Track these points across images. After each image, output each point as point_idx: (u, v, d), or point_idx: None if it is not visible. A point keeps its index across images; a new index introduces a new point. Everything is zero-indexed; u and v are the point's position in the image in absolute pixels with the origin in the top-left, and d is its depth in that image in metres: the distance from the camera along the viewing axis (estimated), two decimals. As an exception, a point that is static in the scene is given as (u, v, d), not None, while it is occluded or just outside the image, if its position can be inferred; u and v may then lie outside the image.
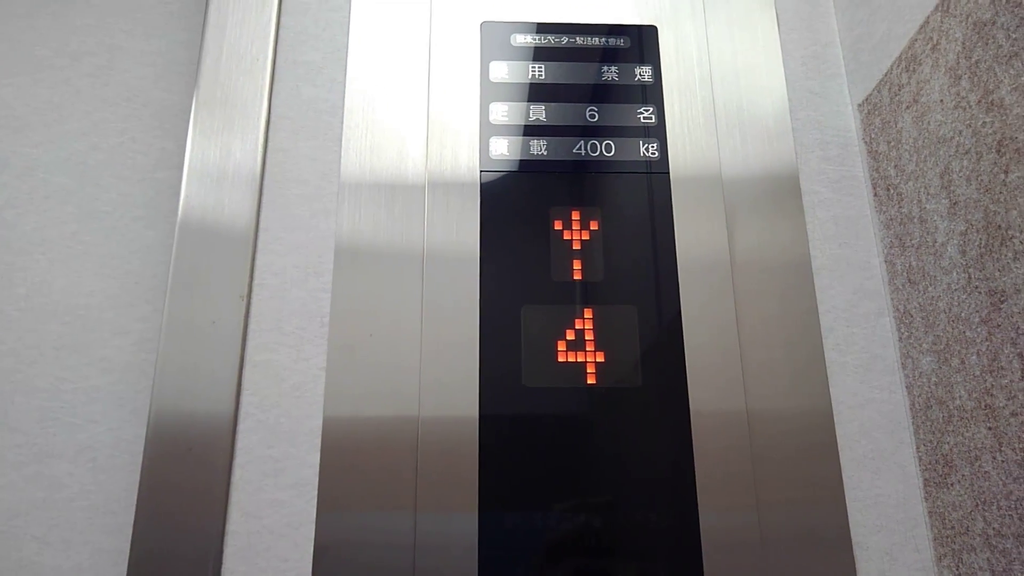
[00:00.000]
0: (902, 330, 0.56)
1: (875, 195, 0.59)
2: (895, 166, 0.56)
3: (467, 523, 0.50)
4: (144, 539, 0.50)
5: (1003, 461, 0.45)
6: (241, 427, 0.53)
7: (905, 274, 0.55)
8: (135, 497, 0.50)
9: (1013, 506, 0.44)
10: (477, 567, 0.49)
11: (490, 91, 0.60)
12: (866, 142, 0.60)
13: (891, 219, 0.57)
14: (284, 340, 0.55)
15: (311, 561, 0.50)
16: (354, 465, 0.51)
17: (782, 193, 0.59)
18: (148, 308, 0.60)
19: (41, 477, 0.56)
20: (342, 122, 0.59)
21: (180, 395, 0.52)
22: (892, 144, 0.56)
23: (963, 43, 0.47)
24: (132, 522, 0.50)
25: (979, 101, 0.46)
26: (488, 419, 0.52)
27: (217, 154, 0.58)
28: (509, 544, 0.50)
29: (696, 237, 0.57)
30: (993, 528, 0.46)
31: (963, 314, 0.48)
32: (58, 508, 0.56)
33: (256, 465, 0.52)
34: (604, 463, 0.52)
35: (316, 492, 0.51)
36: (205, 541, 0.50)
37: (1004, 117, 0.44)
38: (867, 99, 0.60)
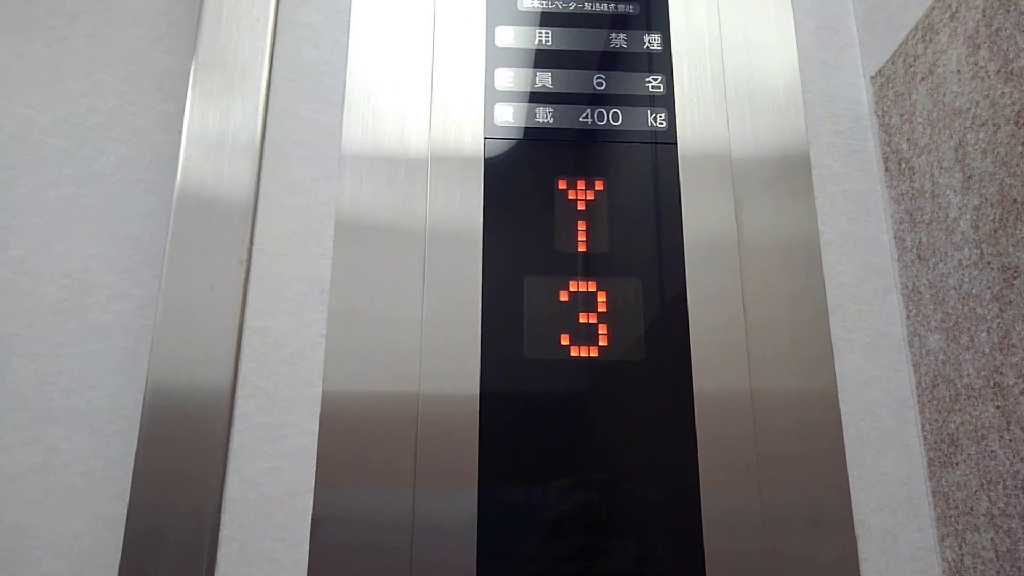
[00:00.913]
0: (910, 307, 0.55)
1: (886, 169, 0.58)
2: (908, 139, 0.55)
3: (466, 499, 0.50)
4: (141, 505, 0.49)
5: (1011, 440, 0.44)
6: (240, 393, 0.52)
7: (915, 250, 0.54)
8: (133, 463, 0.49)
9: (1020, 486, 0.44)
10: (476, 544, 0.49)
11: (496, 57, 0.59)
12: (878, 115, 0.59)
13: (902, 194, 0.56)
14: (284, 306, 0.54)
15: (309, 530, 0.49)
16: (353, 439, 0.51)
17: (791, 166, 0.58)
18: (147, 273, 0.60)
19: (38, 442, 0.56)
20: (344, 85, 0.58)
21: (178, 361, 0.52)
22: (905, 117, 0.55)
23: (983, 10, 0.46)
24: (129, 488, 0.49)
25: (998, 71, 0.45)
26: (489, 391, 0.52)
27: (217, 117, 0.57)
28: (509, 521, 0.50)
29: (703, 209, 0.56)
30: (998, 508, 0.45)
31: (974, 291, 0.47)
32: (56, 473, 0.55)
33: (254, 432, 0.52)
34: (605, 439, 0.52)
35: (315, 460, 0.51)
36: (203, 508, 0.50)
37: (1024, 88, 0.43)
38: (880, 71, 0.59)
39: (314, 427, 0.52)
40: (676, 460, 0.51)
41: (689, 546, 0.50)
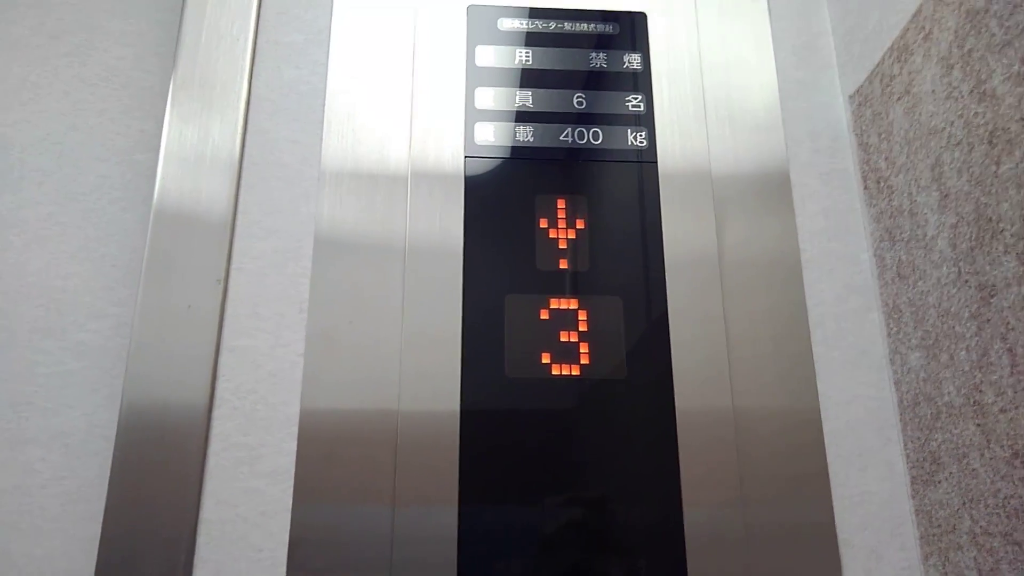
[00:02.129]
0: (891, 325, 0.55)
1: (865, 188, 0.58)
2: (886, 158, 0.55)
3: (446, 517, 0.49)
4: (115, 526, 0.49)
5: (991, 458, 0.44)
6: (216, 413, 0.52)
7: (895, 268, 0.54)
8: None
9: (1001, 504, 0.43)
10: (456, 562, 0.49)
11: (476, 76, 0.59)
12: (857, 134, 0.59)
13: (881, 212, 0.56)
14: (262, 326, 0.54)
15: (286, 551, 0.49)
16: (332, 457, 0.50)
17: (771, 185, 0.59)
18: (125, 292, 0.59)
19: (13, 463, 0.55)
20: (324, 105, 0.58)
21: (154, 381, 0.51)
22: (883, 136, 0.55)
23: (956, 32, 0.46)
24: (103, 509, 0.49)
25: (971, 91, 0.45)
26: (470, 410, 0.51)
27: (195, 136, 0.56)
28: (489, 539, 0.49)
29: (684, 228, 0.57)
30: (980, 526, 0.45)
31: (953, 309, 0.47)
32: (30, 494, 0.55)
33: (231, 452, 0.51)
34: (587, 457, 0.51)
35: (292, 481, 0.50)
36: (178, 529, 0.49)
37: (996, 107, 0.43)
38: (858, 90, 0.59)
39: (291, 447, 0.51)
40: (659, 479, 0.51)
41: (672, 566, 0.49)
